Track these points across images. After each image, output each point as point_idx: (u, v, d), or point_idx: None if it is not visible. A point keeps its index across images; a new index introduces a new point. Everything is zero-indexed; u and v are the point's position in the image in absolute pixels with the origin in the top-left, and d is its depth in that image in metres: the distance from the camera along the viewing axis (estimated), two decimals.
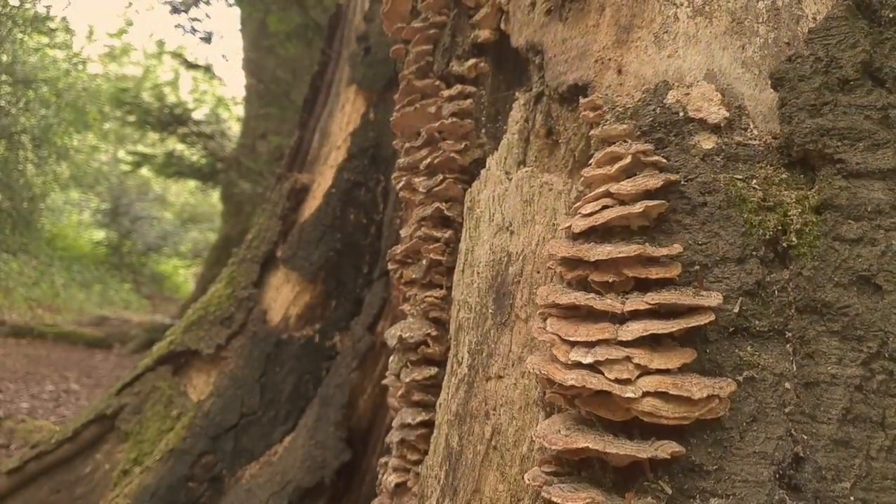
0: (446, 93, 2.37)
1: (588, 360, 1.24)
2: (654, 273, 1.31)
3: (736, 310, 1.32)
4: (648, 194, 1.38)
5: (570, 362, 1.27)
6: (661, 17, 1.59)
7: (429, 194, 2.33)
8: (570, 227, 1.45)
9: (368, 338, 3.70)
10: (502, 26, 2.24)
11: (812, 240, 1.33)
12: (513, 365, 1.74)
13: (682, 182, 1.41)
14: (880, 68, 1.37)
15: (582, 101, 1.65)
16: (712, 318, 1.26)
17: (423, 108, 2.41)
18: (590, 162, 1.52)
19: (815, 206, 1.35)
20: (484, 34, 2.31)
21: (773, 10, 1.48)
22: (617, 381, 1.21)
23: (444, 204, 2.30)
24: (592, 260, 1.34)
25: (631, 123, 1.50)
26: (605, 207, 1.39)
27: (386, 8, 2.64)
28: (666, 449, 1.19)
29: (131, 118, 11.32)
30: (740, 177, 1.40)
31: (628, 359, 1.23)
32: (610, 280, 1.34)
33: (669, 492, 1.24)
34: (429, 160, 2.33)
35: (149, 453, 3.79)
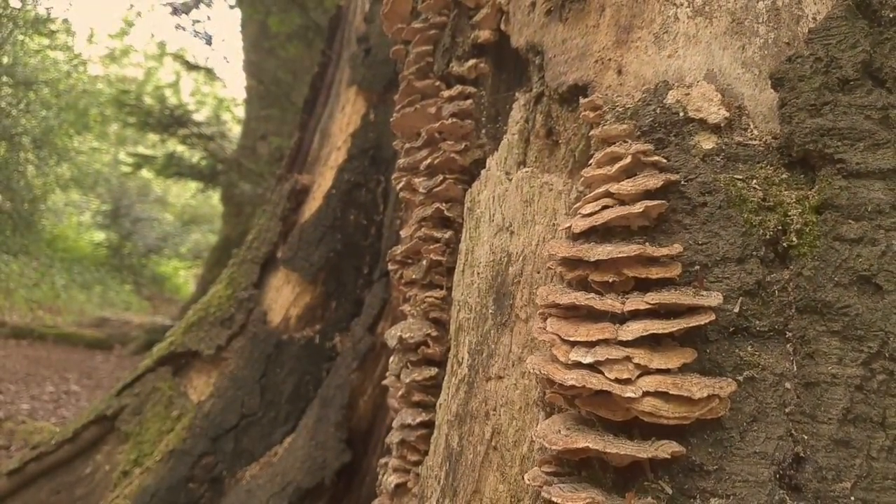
0: (446, 93, 2.37)
1: (588, 359, 1.24)
2: (655, 273, 1.31)
3: (736, 310, 1.32)
4: (648, 194, 1.38)
5: (570, 362, 1.27)
6: (661, 17, 1.60)
7: (429, 195, 2.33)
8: (570, 227, 1.45)
9: (369, 339, 3.70)
10: (502, 27, 2.24)
11: (812, 240, 1.33)
12: (513, 365, 1.74)
13: (683, 182, 1.41)
14: (880, 68, 1.37)
15: (582, 101, 1.65)
16: (712, 317, 1.26)
17: (424, 108, 2.41)
18: (590, 162, 1.52)
19: (816, 206, 1.35)
20: (484, 35, 2.31)
21: (772, 10, 1.49)
22: (617, 380, 1.21)
23: (444, 204, 2.30)
24: (592, 260, 1.34)
25: (631, 123, 1.50)
26: (605, 207, 1.39)
27: (386, 9, 2.65)
28: (666, 449, 1.19)
29: (132, 120, 11.32)
30: (740, 177, 1.40)
31: (628, 359, 1.23)
32: (610, 280, 1.34)
33: (670, 492, 1.24)
34: (429, 161, 2.33)
35: (149, 454, 3.79)
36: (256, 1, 9.73)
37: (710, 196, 1.39)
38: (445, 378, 2.00)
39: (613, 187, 1.38)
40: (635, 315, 1.29)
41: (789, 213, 1.35)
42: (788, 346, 1.31)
